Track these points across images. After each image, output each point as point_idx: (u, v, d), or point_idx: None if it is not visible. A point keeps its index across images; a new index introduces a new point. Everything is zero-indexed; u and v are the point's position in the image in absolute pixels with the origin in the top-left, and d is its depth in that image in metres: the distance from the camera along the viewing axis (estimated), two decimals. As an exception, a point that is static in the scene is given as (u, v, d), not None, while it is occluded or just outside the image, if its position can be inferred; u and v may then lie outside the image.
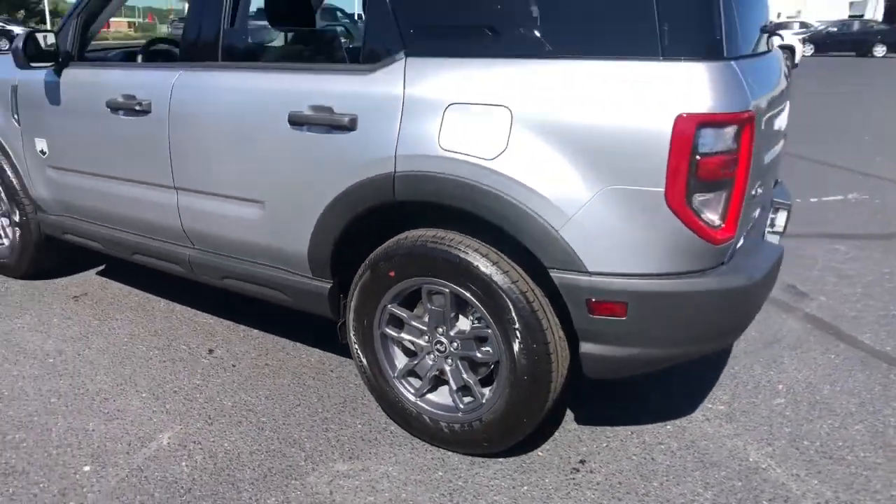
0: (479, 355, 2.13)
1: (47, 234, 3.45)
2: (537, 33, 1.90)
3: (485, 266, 1.98)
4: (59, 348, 2.98)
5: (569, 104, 1.81)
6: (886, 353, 2.95)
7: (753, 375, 2.77)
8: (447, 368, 2.22)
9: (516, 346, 2.00)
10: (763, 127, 1.95)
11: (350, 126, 2.11)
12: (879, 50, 27.44)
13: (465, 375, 2.19)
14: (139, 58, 3.54)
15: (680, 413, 2.51)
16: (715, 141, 1.72)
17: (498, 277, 1.97)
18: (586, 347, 1.97)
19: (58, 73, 3.00)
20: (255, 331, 3.15)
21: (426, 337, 2.23)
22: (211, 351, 2.97)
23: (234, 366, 2.84)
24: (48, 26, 34.89)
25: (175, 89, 2.56)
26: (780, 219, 2.63)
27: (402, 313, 2.24)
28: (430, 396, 2.29)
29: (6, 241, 3.67)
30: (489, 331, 2.06)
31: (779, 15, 48.26)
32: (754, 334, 3.09)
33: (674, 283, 1.84)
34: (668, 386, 2.68)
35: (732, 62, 1.76)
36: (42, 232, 3.46)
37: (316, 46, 2.87)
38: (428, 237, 2.08)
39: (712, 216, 1.80)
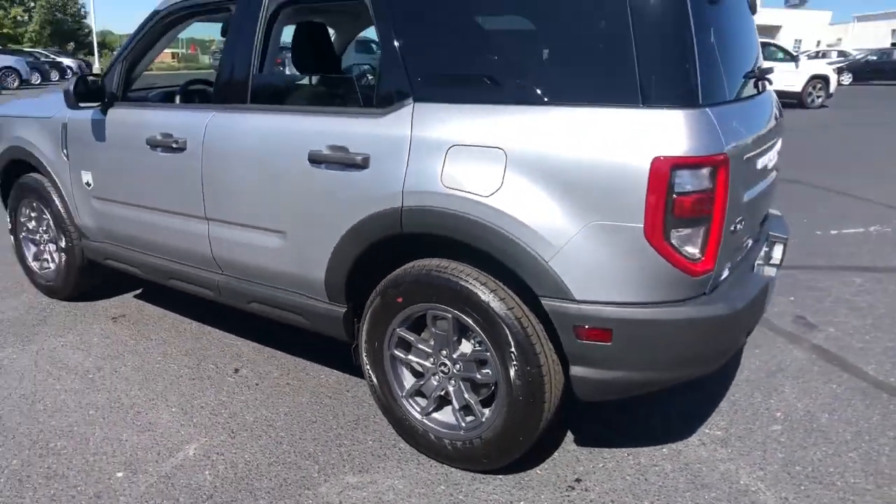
0: (479, 377, 2.28)
1: (90, 259, 3.68)
2: (530, 83, 2.08)
3: (483, 294, 2.14)
4: (98, 365, 3.21)
5: (558, 147, 1.98)
6: (889, 384, 2.98)
7: (753, 403, 2.84)
8: (451, 389, 2.37)
9: (512, 369, 2.14)
10: (745, 166, 2.10)
11: (363, 164, 2.30)
12: (921, 79, 26.95)
13: (466, 395, 2.33)
14: (177, 98, 3.81)
15: (677, 437, 2.60)
16: (690, 181, 1.86)
17: (495, 304, 2.12)
18: (576, 370, 2.11)
19: (104, 112, 3.25)
20: (279, 352, 3.33)
21: (432, 359, 2.39)
22: (237, 370, 3.16)
23: (257, 384, 3.02)
24: (96, 58, 36.33)
25: (208, 129, 2.79)
26: (777, 252, 2.74)
27: (410, 336, 2.40)
28: (435, 415, 2.44)
29: (52, 266, 3.92)
30: (488, 354, 2.21)
31: (818, 43, 47.67)
32: (758, 363, 3.16)
33: (655, 311, 1.98)
34: (668, 411, 2.78)
35: (707, 109, 1.91)
36: (85, 257, 3.69)
37: (335, 90, 3.09)
38: (432, 266, 2.25)
39: (692, 250, 1.94)
